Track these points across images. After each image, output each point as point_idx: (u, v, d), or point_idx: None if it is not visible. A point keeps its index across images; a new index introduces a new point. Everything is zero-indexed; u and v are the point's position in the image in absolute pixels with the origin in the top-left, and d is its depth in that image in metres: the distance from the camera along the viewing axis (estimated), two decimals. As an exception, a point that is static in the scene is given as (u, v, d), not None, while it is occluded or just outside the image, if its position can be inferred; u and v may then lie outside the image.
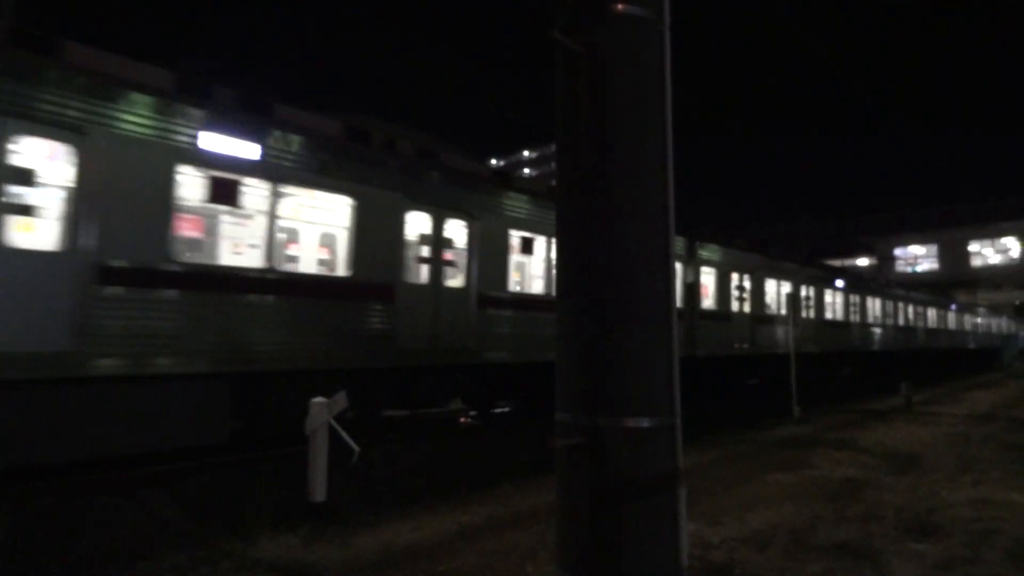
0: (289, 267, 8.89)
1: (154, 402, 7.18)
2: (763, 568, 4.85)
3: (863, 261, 61.14)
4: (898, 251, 59.24)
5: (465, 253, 10.46)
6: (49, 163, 6.65)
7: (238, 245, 8.70)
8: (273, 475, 7.15)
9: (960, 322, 41.62)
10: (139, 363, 6.90)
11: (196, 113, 7.47)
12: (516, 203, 11.31)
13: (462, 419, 11.81)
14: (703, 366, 15.79)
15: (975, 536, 5.60)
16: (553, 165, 2.92)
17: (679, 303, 12.30)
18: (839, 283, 24.06)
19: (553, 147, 2.88)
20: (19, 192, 6.38)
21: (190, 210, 7.84)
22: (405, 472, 7.79)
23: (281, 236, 8.64)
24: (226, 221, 8.62)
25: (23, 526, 5.35)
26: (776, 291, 19.74)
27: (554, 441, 2.60)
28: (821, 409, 15.11)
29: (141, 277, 6.99)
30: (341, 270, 9.04)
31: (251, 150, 7.93)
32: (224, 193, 7.74)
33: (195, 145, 7.43)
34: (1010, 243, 54.50)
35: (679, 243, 13.71)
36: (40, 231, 6.63)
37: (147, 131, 7.08)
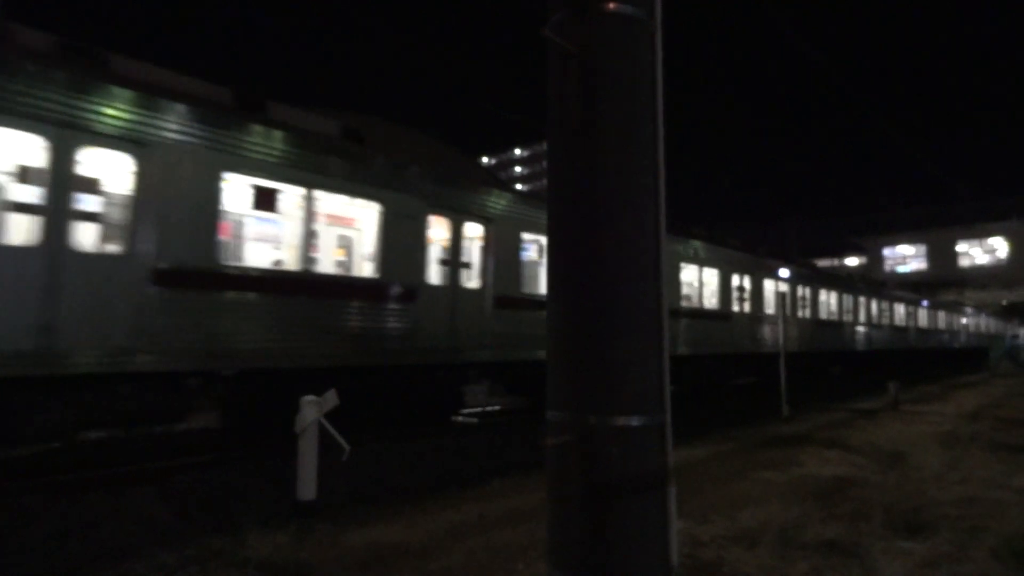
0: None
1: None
2: (752, 566, 4.88)
3: (852, 260, 61.58)
4: (887, 251, 59.70)
5: (480, 256, 10.86)
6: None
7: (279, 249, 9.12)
8: (262, 473, 7.12)
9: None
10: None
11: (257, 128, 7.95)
12: (527, 208, 11.59)
13: (453, 417, 11.84)
14: None
15: (962, 534, 5.64)
16: (544, 163, 2.92)
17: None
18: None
19: (544, 145, 2.88)
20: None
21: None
22: (395, 470, 7.79)
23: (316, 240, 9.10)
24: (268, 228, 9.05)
25: (8, 525, 5.31)
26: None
27: (545, 439, 2.60)
28: (808, 407, 15.19)
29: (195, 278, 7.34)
30: (369, 272, 9.36)
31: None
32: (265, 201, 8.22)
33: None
34: (997, 243, 55.03)
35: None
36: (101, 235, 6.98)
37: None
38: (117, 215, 6.96)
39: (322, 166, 8.53)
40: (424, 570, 4.77)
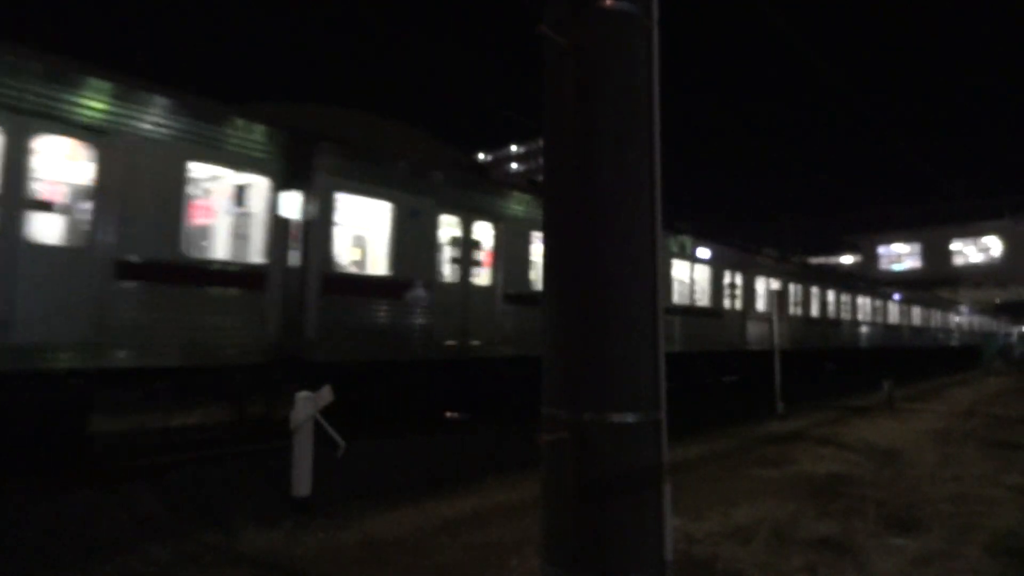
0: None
1: None
2: (746, 562, 4.89)
3: (847, 259, 61.69)
4: (881, 249, 59.80)
5: (491, 253, 11.07)
6: None
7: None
8: (257, 469, 7.11)
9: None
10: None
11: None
12: (536, 207, 11.65)
13: (448, 414, 11.81)
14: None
15: (954, 531, 5.67)
16: (541, 160, 2.92)
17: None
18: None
19: (541, 142, 2.87)
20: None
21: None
22: (390, 466, 7.77)
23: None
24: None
25: (1, 521, 5.28)
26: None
27: (540, 436, 2.60)
28: (803, 404, 15.23)
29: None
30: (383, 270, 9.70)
31: None
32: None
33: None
34: (991, 242, 55.19)
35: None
36: None
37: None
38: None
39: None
40: (419, 566, 4.77)
